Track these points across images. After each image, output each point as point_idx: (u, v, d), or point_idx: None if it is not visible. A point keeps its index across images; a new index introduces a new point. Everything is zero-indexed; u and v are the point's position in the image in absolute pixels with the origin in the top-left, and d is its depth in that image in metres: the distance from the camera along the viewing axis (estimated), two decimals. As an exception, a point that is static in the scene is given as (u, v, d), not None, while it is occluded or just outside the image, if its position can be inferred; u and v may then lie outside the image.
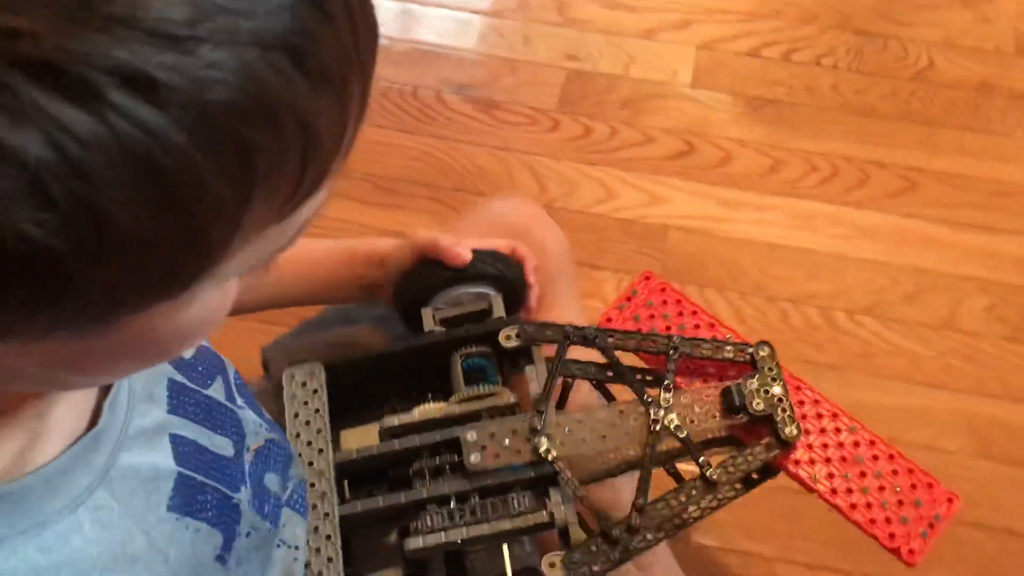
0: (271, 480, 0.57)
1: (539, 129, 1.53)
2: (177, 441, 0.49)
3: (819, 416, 0.75)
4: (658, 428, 0.68)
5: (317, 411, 0.67)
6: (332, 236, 0.79)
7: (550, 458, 0.65)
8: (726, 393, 0.71)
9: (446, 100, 1.56)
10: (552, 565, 0.62)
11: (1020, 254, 1.40)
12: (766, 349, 0.73)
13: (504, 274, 0.75)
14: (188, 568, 0.47)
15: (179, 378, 0.51)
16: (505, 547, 0.66)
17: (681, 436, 0.69)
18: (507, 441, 0.66)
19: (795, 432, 0.70)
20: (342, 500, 0.65)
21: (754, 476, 0.71)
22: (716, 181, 1.48)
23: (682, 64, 1.63)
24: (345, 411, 0.70)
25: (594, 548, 0.63)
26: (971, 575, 1.09)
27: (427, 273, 0.73)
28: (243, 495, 0.53)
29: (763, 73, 1.62)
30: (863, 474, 0.74)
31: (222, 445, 0.52)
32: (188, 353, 0.53)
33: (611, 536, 0.64)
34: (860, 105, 1.58)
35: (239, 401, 0.57)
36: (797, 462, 0.73)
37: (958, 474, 1.17)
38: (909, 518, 0.72)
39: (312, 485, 0.63)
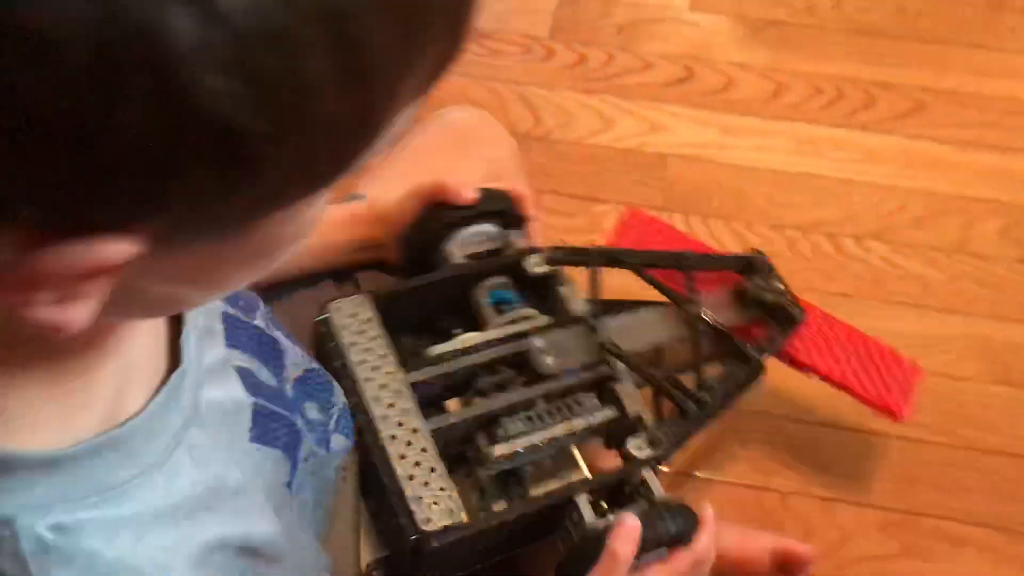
0: (310, 408, 0.58)
1: (532, 58, 1.47)
2: (242, 373, 0.49)
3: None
4: (700, 323, 0.77)
5: (375, 338, 0.68)
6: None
7: (616, 351, 0.71)
8: (739, 293, 0.84)
9: (434, 31, 1.49)
10: (640, 447, 0.66)
11: (1034, 174, 1.35)
12: (759, 254, 0.86)
13: (509, 209, 0.78)
14: (272, 497, 0.48)
15: (231, 311, 0.51)
16: (575, 448, 0.70)
17: (723, 327, 0.79)
18: (570, 345, 0.71)
19: (801, 313, 0.84)
20: None
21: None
22: (717, 107, 1.42)
23: (680, -14, 1.56)
24: None
25: (670, 425, 0.69)
26: (992, 502, 1.06)
27: (438, 216, 0.75)
28: (299, 422, 0.54)
29: (764, -7, 1.56)
30: (848, 355, 0.91)
31: (268, 376, 0.53)
32: None
33: (685, 412, 0.70)
34: (865, 24, 1.52)
35: (278, 333, 0.57)
36: (797, 350, 0.88)
37: (975, 401, 1.14)
38: (890, 385, 0.91)
39: (391, 405, 0.64)
